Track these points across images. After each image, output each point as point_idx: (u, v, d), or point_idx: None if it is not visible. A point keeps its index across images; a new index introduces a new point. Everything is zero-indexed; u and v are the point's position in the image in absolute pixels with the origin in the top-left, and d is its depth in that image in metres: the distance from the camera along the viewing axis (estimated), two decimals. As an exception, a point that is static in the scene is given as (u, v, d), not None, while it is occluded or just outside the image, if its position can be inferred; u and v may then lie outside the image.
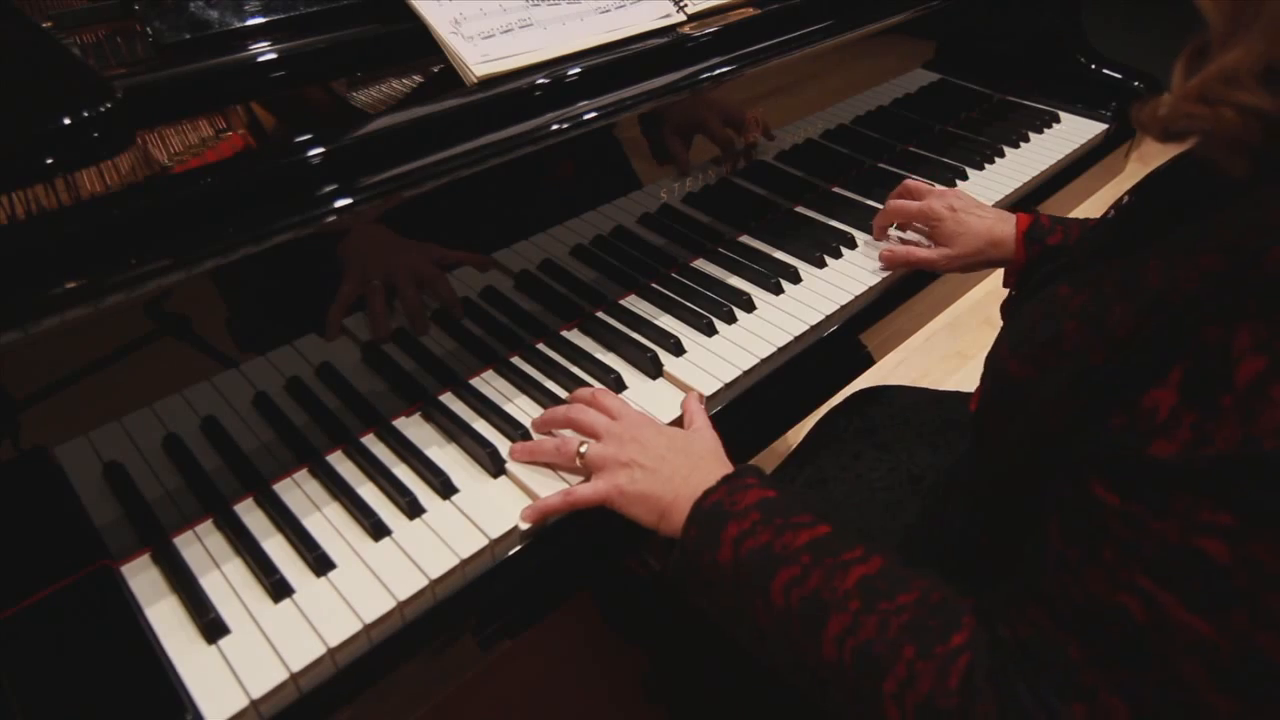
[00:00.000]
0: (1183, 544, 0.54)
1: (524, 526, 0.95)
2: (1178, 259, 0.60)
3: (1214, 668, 0.54)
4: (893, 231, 1.45)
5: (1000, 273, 1.37)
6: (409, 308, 1.06)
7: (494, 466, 1.00)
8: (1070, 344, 0.67)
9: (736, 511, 0.85)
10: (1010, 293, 1.31)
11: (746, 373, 1.17)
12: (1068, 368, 0.66)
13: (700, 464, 0.95)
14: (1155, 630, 0.56)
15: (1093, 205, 1.63)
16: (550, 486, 0.98)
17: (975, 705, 0.65)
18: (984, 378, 0.85)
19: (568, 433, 1.03)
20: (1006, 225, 1.31)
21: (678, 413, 1.09)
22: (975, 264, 1.35)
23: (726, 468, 0.94)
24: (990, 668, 0.65)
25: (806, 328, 1.25)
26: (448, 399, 1.10)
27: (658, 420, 1.06)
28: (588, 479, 0.98)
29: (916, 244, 1.41)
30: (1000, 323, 1.32)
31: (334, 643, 0.82)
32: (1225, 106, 0.58)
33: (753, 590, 0.81)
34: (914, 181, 1.44)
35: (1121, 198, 0.86)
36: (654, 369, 1.15)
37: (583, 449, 0.98)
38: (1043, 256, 1.26)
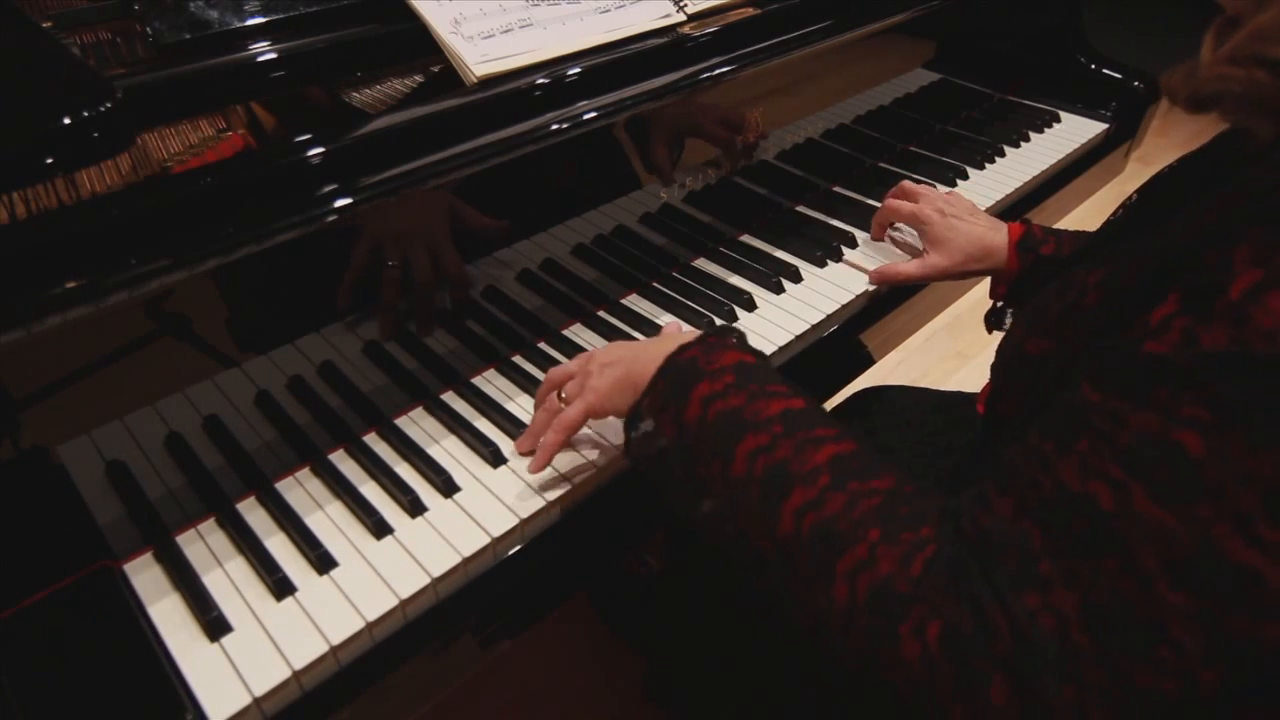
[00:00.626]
0: (1160, 435, 0.55)
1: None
2: (1193, 216, 0.61)
3: (1170, 559, 0.55)
4: (890, 232, 1.45)
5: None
6: (423, 283, 1.06)
7: (496, 465, 1.00)
8: (1089, 311, 0.68)
9: (710, 370, 0.82)
10: (994, 304, 1.31)
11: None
12: (1085, 327, 0.68)
13: (675, 338, 0.90)
14: (1119, 519, 0.56)
15: (1093, 205, 1.64)
16: (549, 483, 0.98)
17: (927, 590, 0.64)
18: (995, 370, 0.86)
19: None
20: (998, 235, 1.28)
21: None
22: (963, 272, 1.31)
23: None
24: (951, 558, 0.65)
25: (807, 327, 1.25)
26: (450, 397, 1.10)
27: None
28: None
29: (907, 248, 1.41)
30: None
31: (336, 641, 0.82)
32: (1258, 67, 0.59)
33: (714, 455, 0.78)
34: (910, 184, 1.42)
35: (1130, 196, 0.87)
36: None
37: (561, 393, 0.98)
38: (1035, 266, 1.24)
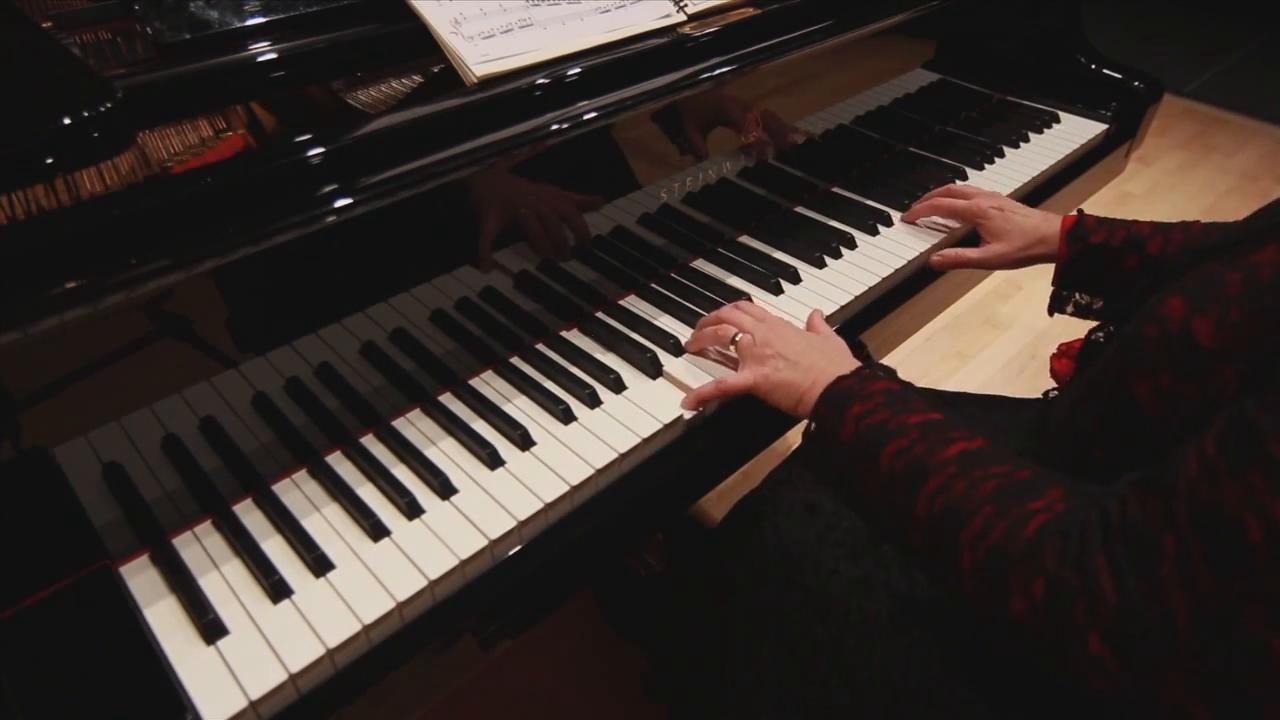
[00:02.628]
0: None
1: (687, 414, 1.07)
2: None
3: None
4: (920, 220, 1.52)
5: (1001, 280, 1.39)
6: (553, 235, 1.18)
7: (493, 467, 1.00)
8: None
9: (862, 394, 0.95)
10: (1055, 290, 1.36)
11: (746, 373, 1.17)
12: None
13: (834, 359, 1.07)
14: (1263, 552, 0.58)
15: (1093, 205, 1.63)
16: (546, 485, 0.98)
17: (1043, 553, 0.71)
18: (1125, 331, 0.86)
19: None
20: (1050, 224, 1.36)
21: (678, 413, 1.09)
22: (1021, 260, 1.40)
23: (856, 365, 1.05)
24: (1068, 527, 0.71)
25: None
26: (447, 399, 1.10)
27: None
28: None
29: (948, 239, 1.49)
30: (996, 325, 1.32)
31: (333, 643, 0.82)
32: None
33: (866, 459, 0.90)
34: (962, 185, 1.52)
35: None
36: (654, 369, 1.15)
37: (736, 337, 1.14)
38: (1085, 255, 1.30)
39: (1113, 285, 1.31)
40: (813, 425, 0.99)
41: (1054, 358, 1.17)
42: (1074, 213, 1.35)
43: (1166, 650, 0.62)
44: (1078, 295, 1.36)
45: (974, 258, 1.43)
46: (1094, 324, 1.04)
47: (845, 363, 1.06)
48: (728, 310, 1.18)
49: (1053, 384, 1.18)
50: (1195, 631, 0.61)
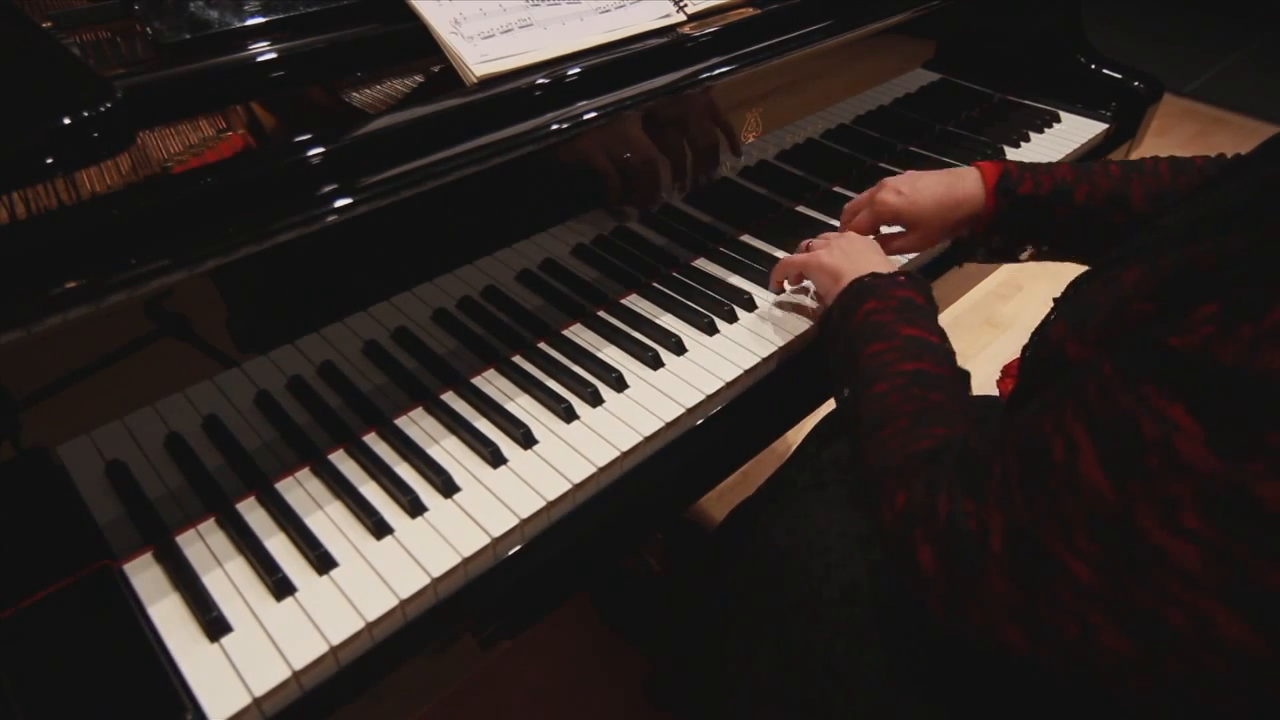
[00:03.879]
0: (1130, 415, 0.59)
1: (535, 480, 1.01)
2: (1258, 225, 0.63)
3: (1093, 515, 0.61)
4: (787, 289, 1.35)
5: (1001, 280, 1.38)
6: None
7: (496, 465, 1.00)
8: (1135, 321, 0.70)
9: (882, 293, 1.05)
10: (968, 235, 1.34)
11: (748, 371, 1.17)
12: (1132, 326, 0.70)
13: (880, 265, 1.16)
14: (1061, 470, 0.63)
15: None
16: (548, 484, 0.98)
17: (912, 472, 0.81)
18: (1027, 367, 0.89)
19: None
20: (965, 181, 1.29)
21: (679, 410, 1.09)
22: (946, 231, 1.32)
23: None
24: (937, 455, 0.80)
25: (808, 326, 1.25)
26: (450, 398, 1.10)
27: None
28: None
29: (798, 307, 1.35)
30: (996, 325, 1.33)
31: (336, 641, 0.82)
32: None
33: (853, 348, 1.01)
34: (851, 203, 1.38)
35: (1190, 191, 0.89)
36: (655, 367, 1.15)
37: (812, 244, 1.27)
38: (1014, 207, 1.27)
39: (1035, 236, 1.30)
40: (835, 305, 1.10)
41: (1000, 380, 1.18)
42: (990, 161, 1.30)
43: (982, 562, 0.68)
44: (992, 241, 1.32)
45: (900, 247, 1.34)
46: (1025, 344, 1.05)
47: (889, 269, 1.14)
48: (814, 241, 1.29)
49: None
50: (1007, 549, 0.67)
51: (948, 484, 0.74)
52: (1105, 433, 0.61)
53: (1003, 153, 1.77)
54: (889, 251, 1.31)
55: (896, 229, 1.34)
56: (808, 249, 1.27)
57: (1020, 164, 1.29)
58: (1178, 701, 0.62)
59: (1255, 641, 0.55)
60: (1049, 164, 1.29)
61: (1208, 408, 0.55)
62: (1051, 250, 1.31)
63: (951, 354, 1.00)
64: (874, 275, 1.09)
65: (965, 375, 0.97)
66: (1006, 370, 1.17)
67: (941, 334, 1.02)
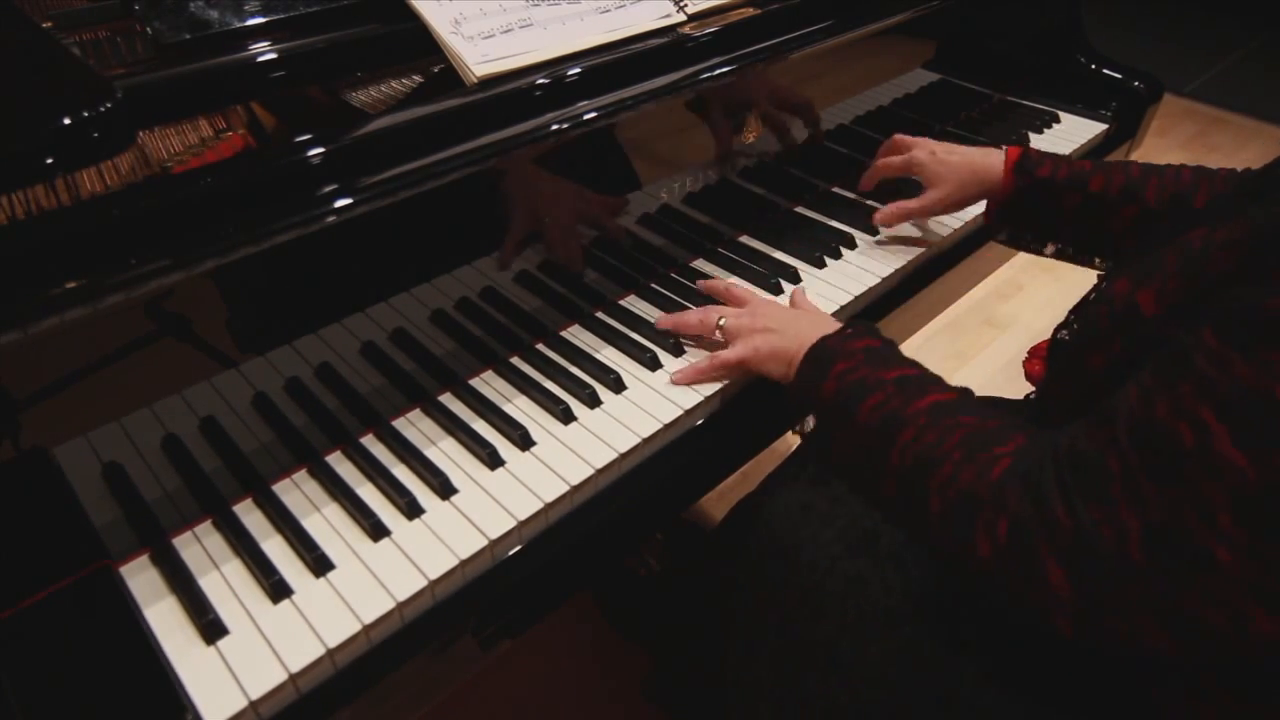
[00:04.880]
0: (1256, 385, 0.58)
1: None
2: None
3: (1237, 496, 0.59)
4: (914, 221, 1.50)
5: (1001, 280, 1.39)
6: (570, 240, 1.20)
7: (493, 467, 1.00)
8: (1215, 278, 0.70)
9: (844, 352, 0.99)
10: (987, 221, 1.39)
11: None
12: (1212, 279, 0.70)
13: (819, 325, 1.09)
14: (1196, 456, 0.61)
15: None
16: (546, 485, 0.98)
17: (1006, 494, 0.74)
18: (1087, 320, 0.89)
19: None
20: (989, 158, 1.37)
21: (678, 411, 1.09)
22: (963, 199, 1.41)
23: (839, 326, 1.08)
24: (1028, 469, 0.74)
25: (806, 328, 1.25)
26: (447, 399, 1.10)
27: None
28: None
29: (950, 239, 1.49)
30: (996, 325, 1.33)
31: (333, 643, 0.82)
32: None
33: (845, 414, 0.94)
34: (900, 136, 1.49)
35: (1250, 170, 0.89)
36: (654, 368, 1.15)
37: (721, 321, 1.16)
38: (1030, 188, 1.31)
39: (1049, 223, 1.34)
40: (794, 383, 1.04)
41: (1026, 361, 1.17)
42: (1019, 145, 1.37)
43: (1122, 572, 0.66)
44: (1011, 228, 1.39)
45: (913, 208, 1.42)
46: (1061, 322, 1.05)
47: (831, 326, 1.08)
48: (707, 308, 1.21)
49: (1031, 388, 1.18)
50: (1147, 548, 0.64)
51: (1061, 494, 0.70)
52: (1235, 409, 0.60)
53: (1003, 153, 1.77)
54: (908, 213, 1.42)
55: (912, 204, 1.42)
56: (720, 331, 1.17)
57: (1045, 152, 1.34)
58: None
59: None
60: (1073, 158, 1.33)
61: None
62: (1072, 245, 1.34)
63: (940, 378, 0.97)
64: (821, 340, 1.03)
65: (968, 390, 0.95)
66: (1034, 352, 1.17)
67: (916, 364, 0.99)
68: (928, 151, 1.42)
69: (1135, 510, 0.65)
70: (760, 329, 1.12)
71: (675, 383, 1.13)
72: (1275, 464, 0.57)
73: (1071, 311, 0.97)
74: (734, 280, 1.33)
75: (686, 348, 1.19)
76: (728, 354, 1.12)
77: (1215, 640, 0.64)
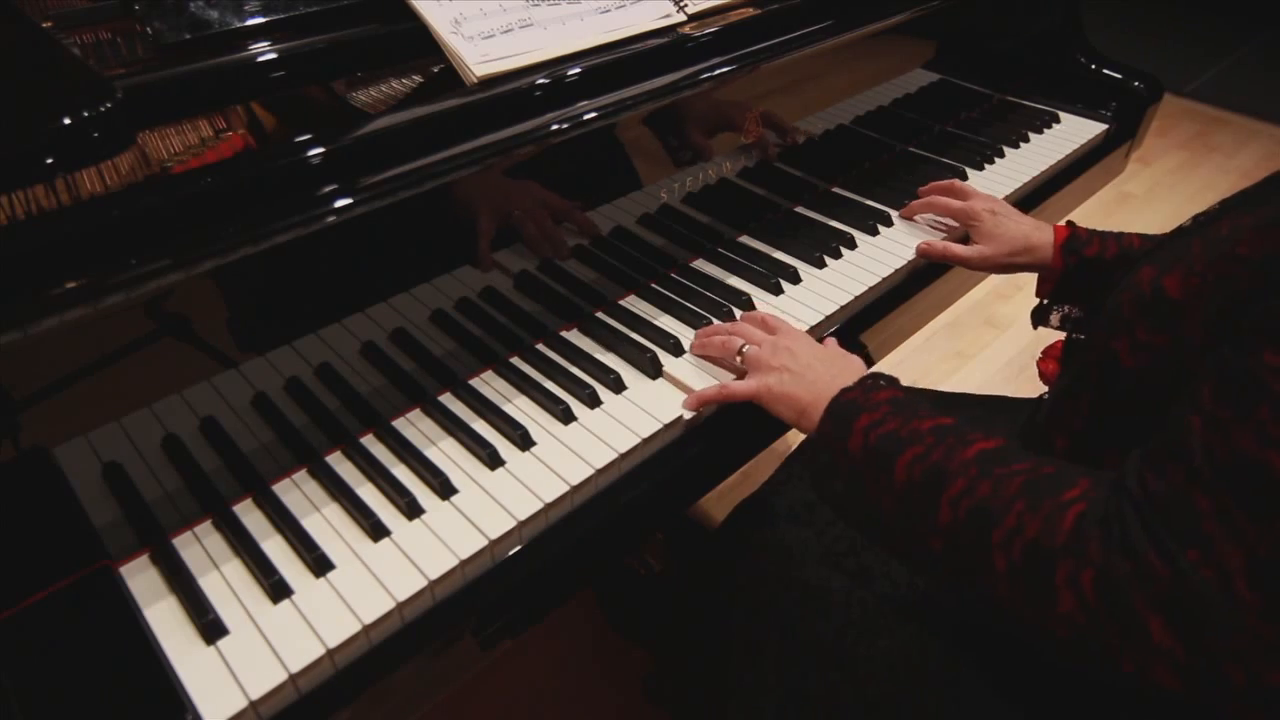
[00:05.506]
0: None
1: (687, 415, 1.06)
2: None
3: None
4: (920, 218, 1.53)
5: (1001, 280, 1.38)
6: (547, 235, 1.19)
7: (493, 467, 1.00)
8: (1247, 248, 0.69)
9: (869, 405, 0.93)
10: (1040, 301, 1.37)
11: (746, 373, 1.17)
12: (1250, 267, 0.69)
13: (841, 374, 1.04)
14: None
15: (1092, 205, 1.64)
16: (546, 485, 0.98)
17: (1086, 544, 0.69)
18: (1077, 360, 0.86)
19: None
20: (1043, 234, 1.35)
21: (678, 413, 1.09)
22: (1007, 266, 1.38)
23: (862, 376, 1.02)
24: (1105, 515, 0.70)
25: (807, 328, 1.25)
26: (447, 399, 1.10)
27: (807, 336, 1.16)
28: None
29: (947, 239, 1.46)
30: (996, 325, 1.33)
31: (333, 643, 0.82)
32: None
33: (878, 470, 0.88)
34: (962, 183, 1.50)
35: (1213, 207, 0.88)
36: (653, 369, 1.15)
37: (743, 349, 1.12)
38: (1079, 268, 1.29)
39: (1102, 300, 1.30)
40: (818, 440, 0.97)
41: (1040, 360, 1.18)
42: (1064, 223, 1.35)
43: (1232, 615, 0.61)
44: (1066, 308, 1.36)
45: (960, 254, 1.40)
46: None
47: (852, 377, 1.02)
48: (739, 323, 1.19)
49: (1045, 388, 1.18)
50: (1255, 585, 0.60)
51: (1150, 538, 0.66)
52: None
53: (1002, 153, 1.77)
54: (953, 257, 1.40)
55: (960, 252, 1.41)
56: (740, 355, 1.14)
57: (1093, 230, 1.32)
58: None
59: None
60: (1119, 233, 1.31)
61: None
62: None
63: (975, 425, 0.90)
64: (843, 393, 0.98)
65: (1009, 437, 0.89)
66: (1048, 352, 1.17)
67: (948, 411, 0.93)
68: (988, 209, 1.40)
69: (1237, 547, 0.61)
70: (778, 367, 1.07)
71: (685, 406, 1.10)
72: None
73: (1083, 312, 0.97)
74: (771, 311, 1.27)
75: (688, 347, 1.19)
76: (740, 386, 1.10)
77: None
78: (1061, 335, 1.24)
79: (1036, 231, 1.36)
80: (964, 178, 1.68)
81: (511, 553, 0.95)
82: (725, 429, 1.14)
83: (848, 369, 1.06)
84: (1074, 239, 1.31)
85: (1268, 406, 0.60)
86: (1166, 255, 0.81)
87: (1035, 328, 1.38)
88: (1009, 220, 1.39)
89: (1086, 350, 0.87)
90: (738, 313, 1.27)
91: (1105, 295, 1.24)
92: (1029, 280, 1.39)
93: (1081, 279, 1.30)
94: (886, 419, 0.90)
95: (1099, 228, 1.33)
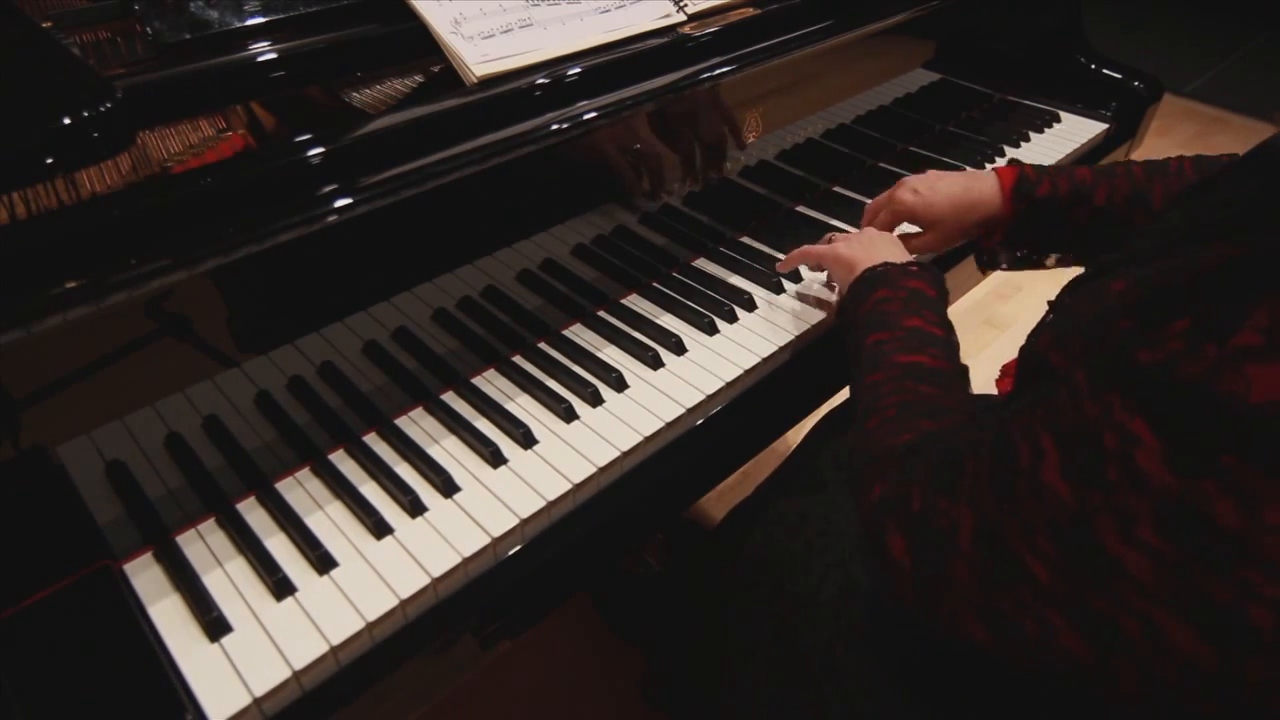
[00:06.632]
0: (1094, 426, 0.59)
1: (535, 480, 1.00)
2: (1237, 241, 0.63)
3: (1053, 521, 0.61)
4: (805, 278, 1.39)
5: (1001, 280, 1.37)
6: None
7: (496, 465, 1.00)
8: (1117, 337, 0.69)
9: (893, 283, 1.07)
10: (988, 246, 1.35)
11: (747, 372, 1.17)
12: (1113, 335, 0.69)
13: (896, 256, 1.15)
14: (1026, 475, 0.63)
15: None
16: (548, 484, 0.98)
17: (888, 464, 0.81)
18: (1019, 371, 0.87)
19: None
20: (982, 184, 1.29)
21: (680, 410, 1.09)
22: (964, 233, 1.33)
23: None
24: (917, 449, 0.80)
25: (807, 327, 1.25)
26: (450, 398, 1.10)
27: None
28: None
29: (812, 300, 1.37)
30: (996, 325, 1.33)
31: (336, 641, 0.82)
32: None
33: (858, 336, 1.03)
34: (873, 201, 1.40)
35: (1184, 193, 0.87)
36: (655, 367, 1.15)
37: (833, 237, 1.27)
38: (1031, 210, 1.27)
39: (1057, 239, 1.30)
40: (848, 293, 1.12)
41: (999, 380, 1.17)
42: (1007, 164, 1.32)
43: (948, 561, 0.70)
44: (1018, 251, 1.33)
45: (915, 247, 1.33)
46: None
47: (904, 260, 1.13)
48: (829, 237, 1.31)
49: None
50: (974, 546, 0.68)
51: (924, 479, 0.75)
52: (1069, 441, 0.61)
53: (1003, 152, 1.77)
54: (907, 250, 1.31)
55: (915, 229, 1.35)
56: (830, 241, 1.26)
57: (1038, 167, 1.29)
58: (1139, 706, 0.63)
59: (1205, 652, 0.56)
60: (1068, 167, 1.29)
61: (1168, 424, 0.55)
62: (1077, 256, 1.31)
63: (954, 347, 1.00)
64: (885, 264, 1.09)
65: (964, 370, 0.97)
66: (1005, 370, 1.17)
67: (947, 326, 1.02)
68: (910, 191, 1.31)
69: (971, 508, 0.68)
70: (850, 240, 1.22)
71: (779, 267, 1.32)
72: (1091, 501, 0.59)
73: (1028, 337, 0.97)
74: (771, 310, 1.31)
75: (689, 345, 1.19)
76: (814, 247, 1.26)
77: (1026, 645, 0.65)
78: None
79: (975, 182, 1.30)
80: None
81: (513, 551, 0.96)
82: (726, 428, 1.14)
83: (902, 257, 1.16)
84: (1023, 181, 1.26)
85: (1043, 408, 0.64)
86: (1060, 319, 0.81)
87: (981, 270, 1.39)
88: (938, 189, 1.31)
89: (1025, 359, 0.86)
90: (739, 311, 1.27)
91: (1065, 235, 1.27)
92: (1029, 280, 1.39)
93: (1034, 221, 1.27)
94: (895, 300, 1.03)
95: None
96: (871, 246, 1.19)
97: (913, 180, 1.33)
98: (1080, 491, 0.60)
